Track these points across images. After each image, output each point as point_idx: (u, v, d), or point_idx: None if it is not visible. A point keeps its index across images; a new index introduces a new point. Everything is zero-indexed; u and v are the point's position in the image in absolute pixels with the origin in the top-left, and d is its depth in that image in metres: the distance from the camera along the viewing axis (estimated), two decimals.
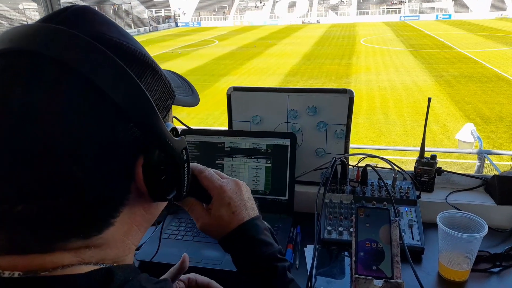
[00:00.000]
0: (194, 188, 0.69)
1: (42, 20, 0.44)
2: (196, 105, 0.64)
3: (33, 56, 0.39)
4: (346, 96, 1.29)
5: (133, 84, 0.43)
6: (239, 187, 0.72)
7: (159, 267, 1.10)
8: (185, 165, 0.52)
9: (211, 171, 0.71)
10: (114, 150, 0.43)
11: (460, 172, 1.38)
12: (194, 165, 0.70)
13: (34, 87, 0.39)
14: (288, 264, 0.70)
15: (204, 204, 0.71)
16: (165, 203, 0.56)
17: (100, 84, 0.40)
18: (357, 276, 0.95)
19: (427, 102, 1.24)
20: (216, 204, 0.69)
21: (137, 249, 1.15)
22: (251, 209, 0.71)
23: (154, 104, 0.45)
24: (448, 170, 1.35)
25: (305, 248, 1.15)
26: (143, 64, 0.47)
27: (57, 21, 0.43)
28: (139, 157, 0.45)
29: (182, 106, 0.58)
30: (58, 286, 0.40)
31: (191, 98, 0.63)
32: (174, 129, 0.51)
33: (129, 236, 0.49)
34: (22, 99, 0.38)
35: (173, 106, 0.56)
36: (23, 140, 0.38)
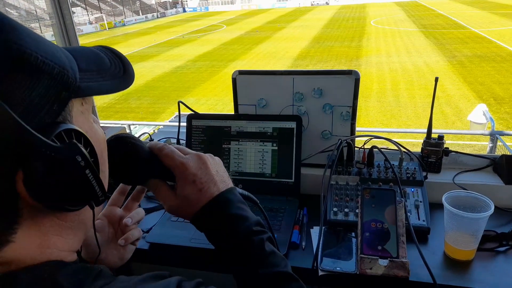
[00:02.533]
0: (154, 168, 0.65)
1: None
2: (122, 89, 0.55)
3: None
4: (352, 78, 1.28)
5: None
6: (204, 161, 0.67)
7: (168, 248, 1.13)
8: (86, 171, 0.45)
9: (171, 148, 0.66)
10: None
11: (472, 152, 1.37)
12: (153, 143, 0.67)
13: None
14: (268, 235, 0.67)
15: (172, 183, 0.67)
16: (94, 205, 0.51)
17: None
18: (362, 256, 0.97)
19: (439, 84, 1.23)
20: (180, 183, 0.65)
21: (147, 232, 1.18)
22: (221, 183, 0.67)
23: (18, 110, 0.39)
24: (456, 150, 1.34)
25: (311, 230, 1.17)
26: (10, 60, 0.39)
27: None
28: (17, 172, 0.40)
29: (98, 94, 0.51)
30: None
31: (115, 82, 0.54)
32: (71, 131, 0.45)
33: (50, 245, 0.47)
34: None
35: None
36: None
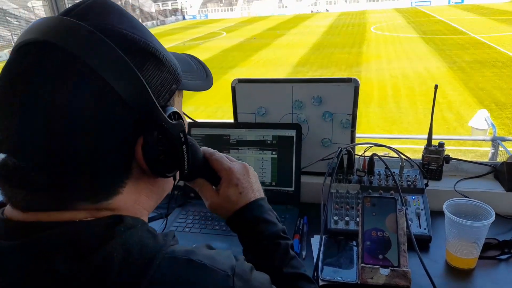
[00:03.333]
0: (204, 170, 0.75)
1: (63, 13, 0.51)
2: (206, 89, 0.67)
3: (46, 46, 0.46)
4: (351, 85, 1.28)
5: (131, 74, 0.48)
6: (247, 170, 0.77)
7: None
8: (183, 146, 0.56)
9: (221, 155, 0.77)
10: (115, 131, 0.48)
11: (472, 159, 1.37)
12: (205, 148, 0.77)
13: (45, 76, 0.45)
14: (292, 242, 0.75)
15: (213, 187, 0.76)
16: (172, 180, 0.61)
17: (101, 73, 0.46)
18: (363, 265, 0.96)
19: (440, 90, 1.23)
20: (225, 184, 0.74)
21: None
22: (257, 191, 0.77)
23: (151, 92, 0.49)
24: (460, 158, 1.34)
25: (311, 239, 1.16)
26: (146, 53, 0.51)
27: (72, 14, 0.49)
28: (139, 137, 0.50)
29: (191, 90, 0.62)
30: (71, 228, 0.47)
31: (201, 82, 0.66)
32: (176, 113, 0.55)
33: (140, 203, 0.56)
34: (37, 88, 0.45)
35: (189, 93, 0.63)
36: (39, 121, 0.45)
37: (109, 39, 0.47)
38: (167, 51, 0.58)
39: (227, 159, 0.78)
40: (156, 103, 0.50)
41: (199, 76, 0.67)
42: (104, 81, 0.46)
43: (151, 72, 0.51)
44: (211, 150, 0.78)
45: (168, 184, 0.62)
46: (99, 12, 0.51)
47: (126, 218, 0.51)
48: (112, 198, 0.51)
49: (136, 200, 0.55)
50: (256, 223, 0.73)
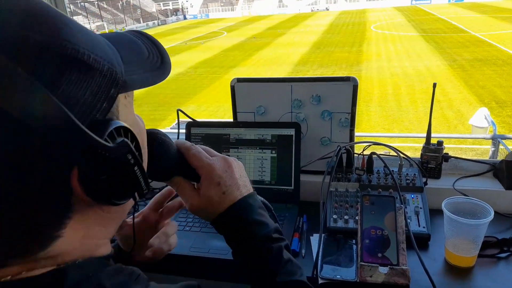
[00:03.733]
0: (181, 167, 0.66)
1: None
2: (161, 80, 0.54)
3: None
4: (350, 84, 1.28)
5: (30, 90, 0.36)
6: (229, 164, 0.67)
7: (168, 257, 1.12)
8: (135, 167, 0.47)
9: (198, 148, 0.67)
10: (37, 170, 0.38)
11: (471, 158, 1.37)
12: (181, 141, 0.67)
13: None
14: (286, 243, 0.67)
15: (194, 184, 0.67)
16: (137, 197, 0.52)
17: None
18: (362, 263, 0.96)
19: (440, 88, 1.23)
20: (205, 184, 0.65)
21: None
22: (243, 187, 0.67)
23: (78, 108, 0.39)
24: (460, 156, 1.34)
25: (311, 237, 1.16)
26: (65, 59, 0.39)
27: None
28: (72, 170, 0.41)
29: (141, 88, 0.51)
30: None
31: (154, 74, 0.53)
32: (121, 128, 0.45)
33: (91, 237, 0.48)
34: None
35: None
36: None
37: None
38: (102, 42, 0.46)
39: (206, 153, 0.67)
40: (80, 124, 0.38)
41: (151, 64, 0.53)
42: (2, 111, 0.35)
43: (75, 83, 0.39)
44: (187, 144, 0.67)
45: (127, 205, 0.53)
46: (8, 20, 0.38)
47: (70, 273, 0.43)
48: (51, 245, 0.42)
49: (86, 235, 0.47)
50: (243, 225, 0.65)
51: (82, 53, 0.40)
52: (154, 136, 0.63)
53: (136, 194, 0.50)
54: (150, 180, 0.53)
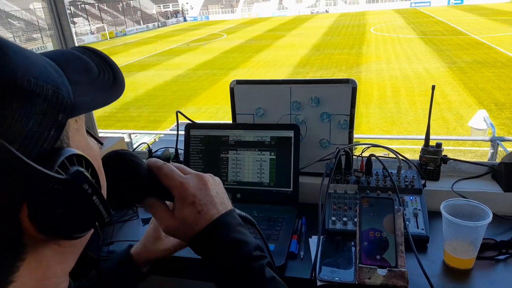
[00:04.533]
0: (154, 187, 0.63)
1: None
2: (115, 99, 0.51)
3: None
4: (349, 86, 1.28)
5: None
6: (204, 182, 0.64)
7: (166, 259, 1.12)
8: (93, 197, 0.43)
9: (171, 167, 0.63)
10: None
11: (470, 160, 1.37)
12: (152, 160, 0.64)
13: None
14: (267, 260, 0.63)
15: (169, 204, 0.65)
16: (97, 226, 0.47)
17: None
18: (360, 265, 0.96)
19: (440, 90, 1.23)
20: (179, 204, 0.62)
21: None
22: (220, 205, 0.64)
23: (9, 144, 0.34)
24: (459, 158, 1.34)
25: (309, 239, 1.16)
26: (3, 88, 0.35)
27: None
28: (21, 207, 0.37)
29: (92, 110, 0.48)
30: None
31: (105, 94, 0.49)
32: (73, 156, 0.41)
33: (50, 276, 0.43)
34: None
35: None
36: None
37: None
38: (44, 65, 0.41)
39: (179, 172, 0.63)
40: (22, 157, 0.35)
41: (103, 82, 0.49)
42: None
43: (15, 113, 0.35)
44: (159, 163, 0.63)
45: (87, 235, 0.48)
46: None
47: None
48: None
49: (44, 276, 0.42)
50: (222, 246, 0.61)
51: (20, 78, 0.36)
52: (121, 157, 0.61)
53: (96, 223, 0.46)
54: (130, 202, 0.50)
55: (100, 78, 0.49)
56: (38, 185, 0.37)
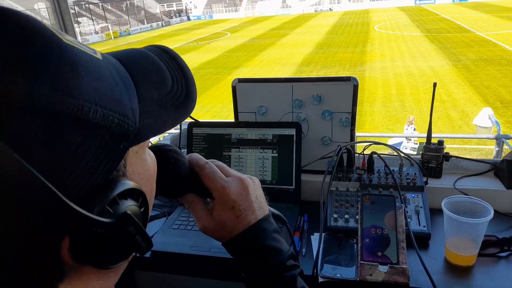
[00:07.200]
0: (195, 185, 0.63)
1: None
2: (181, 121, 0.48)
3: None
4: (351, 84, 1.29)
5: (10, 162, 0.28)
6: (246, 187, 0.63)
7: (170, 256, 1.13)
8: (136, 237, 0.40)
9: (213, 168, 0.62)
10: (19, 241, 0.32)
11: (473, 157, 1.37)
12: (195, 159, 0.63)
13: None
14: (300, 270, 0.64)
15: (207, 203, 0.65)
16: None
17: None
18: (362, 262, 0.97)
19: (444, 88, 1.23)
20: (219, 207, 0.62)
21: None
22: (258, 210, 0.64)
23: (61, 183, 0.32)
24: (464, 156, 1.34)
25: (311, 236, 1.17)
26: (68, 122, 0.31)
27: None
28: (63, 239, 0.34)
29: (158, 134, 0.43)
30: None
31: (173, 116, 0.45)
32: (125, 191, 0.38)
33: None
34: None
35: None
36: None
37: None
38: (114, 83, 0.37)
39: (220, 173, 0.63)
40: (67, 201, 0.31)
41: (175, 98, 0.44)
42: None
43: (72, 148, 0.32)
44: (201, 162, 0.62)
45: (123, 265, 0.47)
46: None
47: None
48: None
49: None
50: (256, 252, 0.61)
51: (87, 109, 0.32)
52: (165, 154, 0.61)
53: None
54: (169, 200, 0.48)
55: (172, 93, 0.44)
56: (80, 227, 0.34)
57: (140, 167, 0.44)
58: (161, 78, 0.44)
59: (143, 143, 0.43)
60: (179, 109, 0.45)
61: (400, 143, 7.35)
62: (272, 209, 0.70)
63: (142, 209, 0.41)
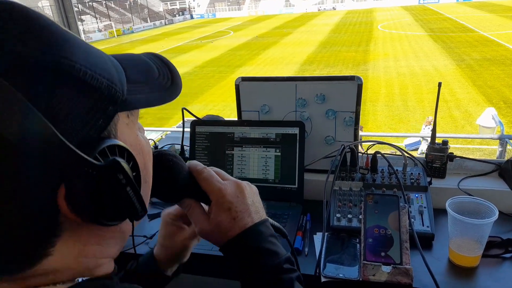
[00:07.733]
0: (193, 189, 0.65)
1: None
2: (168, 100, 0.53)
3: None
4: (354, 83, 1.28)
5: (14, 106, 0.35)
6: (242, 189, 0.65)
7: None
8: (127, 188, 0.44)
9: (210, 172, 0.65)
10: (21, 187, 0.37)
11: (477, 157, 1.36)
12: (193, 164, 0.66)
13: None
14: (297, 274, 0.64)
15: (205, 208, 0.66)
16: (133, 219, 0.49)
17: None
18: (365, 262, 0.96)
19: (448, 88, 1.23)
20: (215, 209, 0.63)
21: (150, 238, 1.18)
22: (255, 214, 0.65)
23: (55, 127, 0.37)
24: (467, 156, 1.33)
25: (314, 236, 1.16)
26: (60, 75, 0.38)
27: None
28: (59, 188, 0.39)
29: (145, 107, 0.49)
30: None
31: (160, 94, 0.52)
32: (115, 147, 0.43)
33: (88, 254, 0.46)
34: None
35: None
36: None
37: None
38: (106, 61, 0.45)
39: (218, 177, 0.65)
40: (64, 140, 0.37)
41: (161, 84, 0.52)
42: None
43: (67, 99, 0.38)
44: (199, 167, 0.65)
45: (126, 225, 0.51)
46: None
47: None
48: (39, 263, 0.41)
49: (82, 253, 0.45)
50: (254, 255, 0.62)
51: (78, 69, 0.40)
52: (164, 158, 0.63)
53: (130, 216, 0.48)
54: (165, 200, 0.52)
55: (159, 80, 0.52)
56: (75, 168, 0.39)
57: (132, 139, 0.50)
58: (147, 68, 0.52)
59: (133, 117, 0.50)
60: (165, 91, 0.53)
61: (418, 142, 7.31)
62: (272, 221, 0.71)
63: (134, 174, 0.46)
